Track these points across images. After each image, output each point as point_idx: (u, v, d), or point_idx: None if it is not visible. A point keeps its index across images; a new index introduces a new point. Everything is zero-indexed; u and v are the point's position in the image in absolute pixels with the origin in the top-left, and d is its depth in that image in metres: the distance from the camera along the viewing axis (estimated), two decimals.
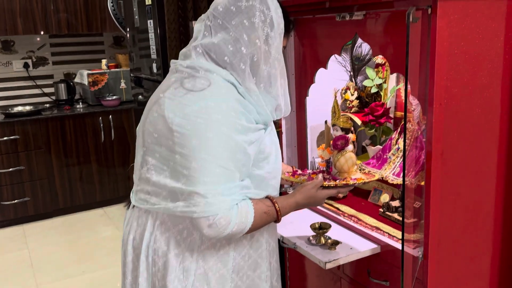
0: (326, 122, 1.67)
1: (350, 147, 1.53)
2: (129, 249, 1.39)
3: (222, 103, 1.22)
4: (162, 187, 1.27)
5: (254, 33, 1.26)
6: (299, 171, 1.65)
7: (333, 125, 1.70)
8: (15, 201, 4.08)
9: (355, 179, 1.48)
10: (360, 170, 1.82)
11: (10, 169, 4.02)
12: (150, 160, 1.30)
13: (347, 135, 1.56)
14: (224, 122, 1.20)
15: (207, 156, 1.18)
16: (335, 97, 1.67)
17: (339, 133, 1.65)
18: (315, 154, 2.07)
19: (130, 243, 1.39)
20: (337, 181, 1.45)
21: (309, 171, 1.66)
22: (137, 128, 1.51)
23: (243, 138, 1.23)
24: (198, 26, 1.34)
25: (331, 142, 1.56)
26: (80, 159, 4.29)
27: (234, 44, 1.25)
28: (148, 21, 2.94)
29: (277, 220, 1.34)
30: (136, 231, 1.37)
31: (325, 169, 1.68)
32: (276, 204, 1.32)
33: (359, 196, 1.92)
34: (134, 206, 1.40)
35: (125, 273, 1.43)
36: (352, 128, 1.66)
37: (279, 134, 2.06)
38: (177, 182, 1.22)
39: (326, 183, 1.42)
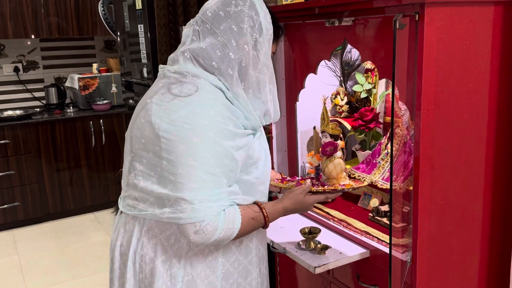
0: (314, 128, 1.67)
1: (339, 153, 1.54)
2: (116, 255, 1.38)
3: (209, 108, 1.22)
4: (149, 193, 1.26)
5: (243, 39, 1.26)
6: (288, 178, 1.65)
7: (322, 131, 1.70)
8: (5, 206, 4.04)
9: (343, 185, 1.48)
10: (349, 176, 1.82)
11: (0, 174, 3.99)
12: (137, 166, 1.29)
13: (336, 142, 1.57)
14: (211, 127, 1.20)
15: (194, 162, 1.18)
16: (324, 104, 1.67)
17: (328, 139, 1.66)
18: (305, 159, 2.07)
19: (118, 249, 1.38)
20: (325, 186, 1.45)
21: (298, 178, 1.66)
22: (125, 134, 1.51)
23: (230, 144, 1.22)
24: (186, 31, 1.34)
25: (320, 148, 1.57)
26: (71, 164, 4.27)
27: (222, 49, 1.25)
28: (139, 26, 2.94)
29: (265, 226, 1.34)
30: (123, 237, 1.37)
31: (314, 175, 1.68)
32: (263, 210, 1.32)
33: (349, 201, 1.93)
34: (122, 212, 1.39)
35: (112, 279, 1.42)
36: (341, 135, 1.66)
37: (269, 139, 2.06)
38: (164, 188, 1.22)
39: (314, 189, 1.42)
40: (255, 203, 1.33)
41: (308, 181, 1.43)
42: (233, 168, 1.25)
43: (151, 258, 1.30)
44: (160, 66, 1.39)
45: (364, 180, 1.75)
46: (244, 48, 1.26)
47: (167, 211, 1.22)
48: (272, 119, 1.38)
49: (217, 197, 1.21)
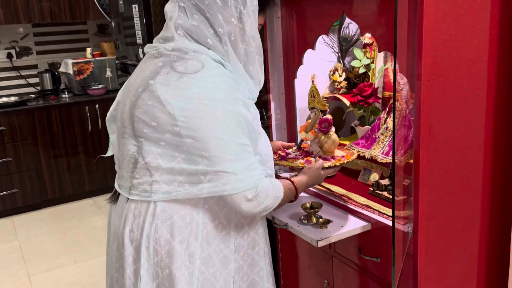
0: (315, 113, 1.70)
1: (333, 128, 1.65)
2: (126, 242, 1.34)
3: (220, 82, 1.23)
4: (178, 172, 1.24)
5: (228, 11, 1.26)
6: (281, 154, 1.69)
7: (312, 108, 1.74)
8: (3, 193, 4.04)
9: (343, 157, 1.62)
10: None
11: None
12: (153, 150, 1.25)
13: (329, 118, 1.65)
14: (228, 99, 1.22)
15: (223, 135, 1.19)
16: (313, 81, 1.71)
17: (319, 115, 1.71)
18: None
19: (127, 236, 1.34)
20: (332, 161, 1.59)
21: (292, 152, 1.70)
22: (107, 118, 1.47)
23: (248, 114, 1.25)
24: (170, 7, 1.32)
25: (317, 125, 1.65)
26: (68, 149, 4.26)
27: (212, 26, 1.26)
28: (133, 6, 2.91)
29: (295, 197, 1.42)
30: (132, 223, 1.33)
31: (292, 150, 1.77)
32: (293, 182, 1.40)
33: (349, 176, 1.93)
34: (128, 199, 1.35)
35: (121, 266, 1.37)
36: (328, 109, 1.74)
37: (269, 116, 2.06)
38: (196, 165, 1.22)
39: (325, 164, 1.54)
40: (281, 178, 1.40)
41: (320, 159, 1.57)
42: (253, 138, 1.28)
43: (167, 240, 1.29)
44: (149, 45, 1.37)
45: (354, 150, 1.78)
46: (231, 22, 1.27)
47: (205, 187, 1.22)
48: (259, 87, 1.40)
49: (253, 165, 1.25)
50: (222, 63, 1.27)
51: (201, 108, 1.19)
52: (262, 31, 1.67)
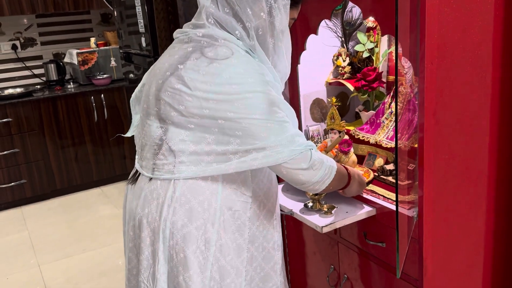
0: (340, 135, 1.77)
1: (352, 149, 1.76)
2: (144, 222, 1.35)
3: (250, 69, 1.25)
4: (206, 153, 1.26)
5: (258, 5, 1.26)
6: None
7: (332, 129, 1.83)
8: (12, 183, 4.08)
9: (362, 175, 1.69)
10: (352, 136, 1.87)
11: (5, 152, 4.00)
12: (182, 132, 1.27)
13: (348, 139, 1.76)
14: (258, 83, 1.23)
15: (255, 115, 1.21)
16: (333, 105, 1.79)
17: (337, 135, 1.80)
18: (309, 123, 2.07)
19: (145, 216, 1.35)
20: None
21: None
22: (132, 98, 1.49)
23: (278, 96, 1.27)
24: None
25: (338, 147, 1.75)
26: (75, 140, 4.28)
27: (242, 20, 1.27)
28: None
29: (348, 182, 1.44)
30: (151, 204, 1.33)
31: None
32: (346, 166, 1.45)
33: None
34: (151, 179, 1.35)
35: (137, 247, 1.39)
36: (344, 128, 1.83)
37: None
38: (227, 145, 1.23)
39: None
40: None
41: None
42: (290, 114, 1.30)
43: (184, 224, 1.29)
44: (179, 30, 1.39)
45: (369, 169, 1.79)
46: (260, 16, 1.27)
47: (234, 163, 1.24)
48: (285, 80, 1.42)
49: (291, 139, 1.24)
50: (250, 54, 1.29)
51: (232, 90, 1.21)
52: None
